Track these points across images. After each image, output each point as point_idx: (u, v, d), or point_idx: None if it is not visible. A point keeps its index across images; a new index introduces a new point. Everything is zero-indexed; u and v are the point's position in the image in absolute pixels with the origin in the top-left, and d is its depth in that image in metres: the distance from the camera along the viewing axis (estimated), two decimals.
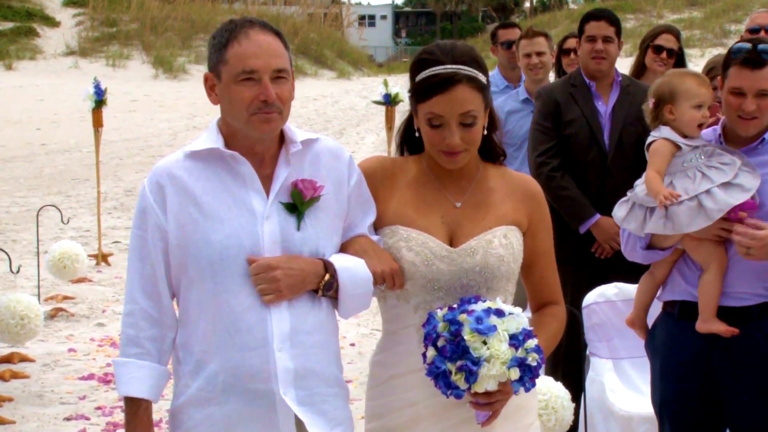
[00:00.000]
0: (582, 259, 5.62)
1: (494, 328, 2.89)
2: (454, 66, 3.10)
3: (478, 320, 2.90)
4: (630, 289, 5.05)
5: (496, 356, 2.88)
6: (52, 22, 41.64)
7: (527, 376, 2.93)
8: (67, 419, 6.67)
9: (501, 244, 3.16)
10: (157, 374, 3.11)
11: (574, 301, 5.31)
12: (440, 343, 2.93)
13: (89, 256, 10.71)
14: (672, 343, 4.01)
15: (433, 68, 3.11)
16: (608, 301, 5.12)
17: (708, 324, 3.90)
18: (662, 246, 3.96)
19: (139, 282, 3.10)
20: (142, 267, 3.10)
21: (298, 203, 3.11)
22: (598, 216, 5.60)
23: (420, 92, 3.14)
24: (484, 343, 2.89)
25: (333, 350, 3.19)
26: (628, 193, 4.02)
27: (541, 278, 3.33)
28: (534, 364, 2.93)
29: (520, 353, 2.91)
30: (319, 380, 3.13)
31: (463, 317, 2.92)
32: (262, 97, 3.03)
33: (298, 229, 3.11)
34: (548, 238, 3.32)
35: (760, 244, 3.73)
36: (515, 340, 2.91)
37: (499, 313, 2.93)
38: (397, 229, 3.19)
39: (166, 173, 3.10)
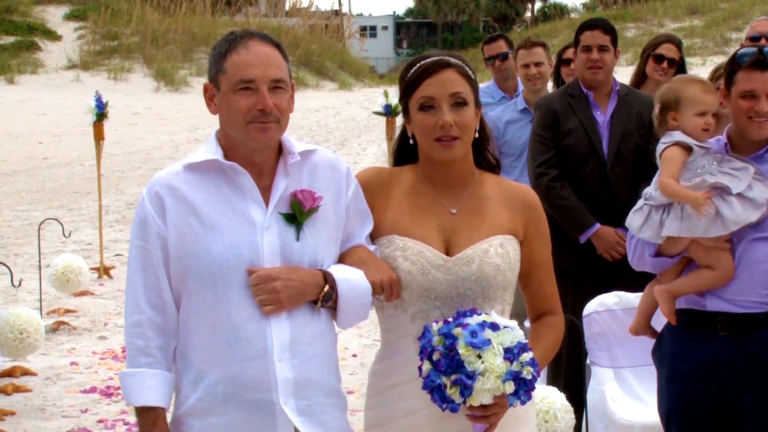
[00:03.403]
0: (582, 269, 5.62)
1: (489, 341, 2.89)
2: (441, 56, 3.22)
3: (473, 334, 2.90)
4: (630, 298, 5.05)
5: (490, 370, 2.88)
6: (53, 36, 41.72)
7: (522, 389, 2.93)
8: None
9: (497, 254, 3.16)
10: (168, 382, 3.12)
11: (574, 311, 5.31)
12: (435, 356, 2.93)
13: (91, 269, 10.72)
14: (679, 352, 4.00)
15: (421, 62, 3.22)
16: (608, 310, 5.12)
17: (665, 297, 3.94)
18: (671, 253, 3.95)
19: (143, 292, 3.09)
20: (145, 277, 3.10)
21: (297, 214, 3.13)
22: (597, 225, 5.60)
23: (410, 84, 3.20)
24: (479, 356, 2.89)
25: (332, 360, 3.21)
26: (641, 202, 4.01)
27: (539, 288, 3.33)
28: (529, 377, 2.93)
29: (515, 367, 2.91)
30: (319, 390, 3.15)
31: (457, 331, 2.92)
32: (259, 106, 3.06)
33: (298, 239, 3.13)
34: (546, 248, 3.32)
35: None
36: (510, 354, 2.91)
37: (494, 327, 2.93)
38: (393, 239, 3.20)
39: (165, 184, 3.10)
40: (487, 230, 3.19)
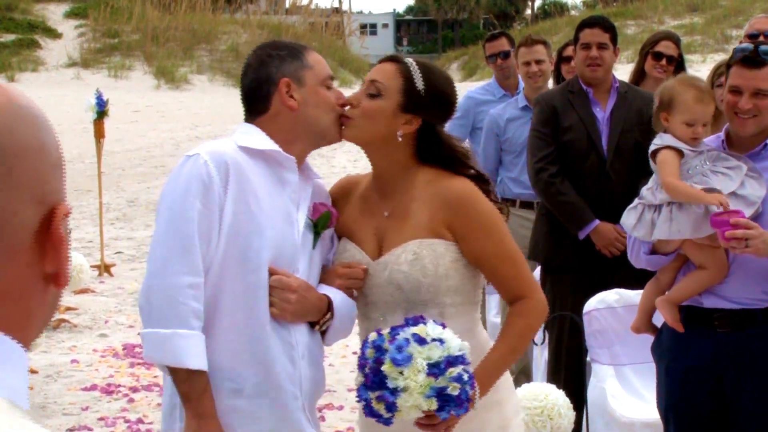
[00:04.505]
0: (582, 265, 5.62)
1: (410, 358, 2.82)
2: (400, 55, 3.31)
3: (399, 349, 2.84)
4: (630, 295, 5.05)
5: (413, 387, 2.81)
6: (54, 34, 41.70)
7: (450, 405, 2.85)
8: (70, 430, 6.67)
9: (406, 261, 3.15)
10: None
11: (574, 308, 5.32)
12: (366, 370, 2.90)
13: (92, 266, 10.72)
14: (678, 349, 4.02)
15: None
16: (609, 307, 5.12)
17: (666, 306, 3.96)
18: (665, 251, 3.97)
19: (198, 257, 3.02)
20: (199, 242, 3.03)
21: (321, 225, 3.23)
22: (597, 221, 5.60)
23: None
24: (401, 373, 2.82)
25: None
26: (636, 200, 4.02)
27: (495, 277, 3.23)
28: (455, 393, 2.84)
29: (439, 382, 2.82)
30: (321, 390, 3.31)
31: (386, 345, 2.87)
32: (342, 100, 3.20)
33: (314, 248, 3.24)
34: (487, 239, 3.18)
35: (758, 240, 3.71)
36: (436, 369, 2.82)
37: (422, 341, 2.85)
38: (341, 242, 3.31)
39: (232, 158, 3.09)
40: (408, 233, 3.19)
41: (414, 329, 2.88)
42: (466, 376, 2.87)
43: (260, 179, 3.12)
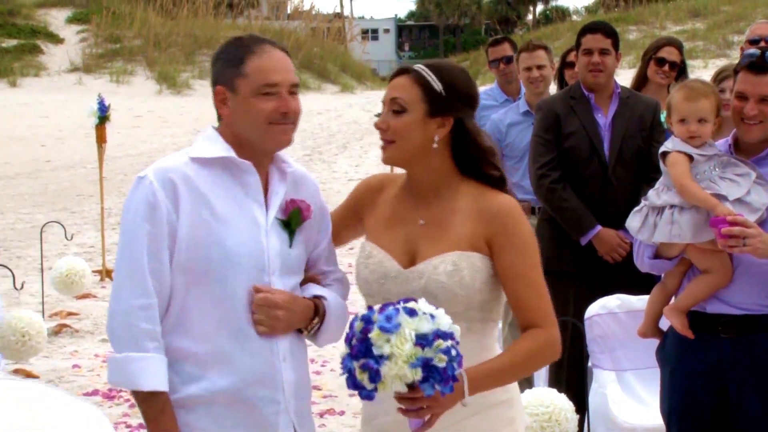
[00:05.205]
0: (583, 271, 5.62)
1: (398, 326, 2.78)
2: (412, 64, 3.23)
3: (388, 319, 2.79)
4: (632, 301, 5.05)
5: (398, 355, 2.75)
6: (56, 39, 41.78)
7: (434, 377, 2.79)
8: None
9: (445, 272, 3.11)
10: (167, 367, 3.10)
11: (576, 313, 5.32)
12: (353, 341, 2.84)
13: (93, 271, 10.73)
14: (682, 353, 4.02)
15: None
16: (610, 312, 5.12)
17: (674, 314, 3.96)
18: (668, 256, 3.97)
19: (149, 277, 3.06)
20: (149, 262, 3.06)
21: (293, 222, 3.20)
22: (599, 227, 5.60)
23: None
24: (388, 341, 2.78)
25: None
26: (643, 200, 4.02)
27: (517, 301, 3.17)
28: (441, 365, 2.78)
29: (426, 353, 2.77)
30: (308, 392, 3.30)
31: (375, 317, 2.83)
32: (282, 109, 3.12)
33: (291, 246, 3.21)
34: (521, 259, 3.16)
35: (757, 239, 3.71)
36: (423, 340, 2.78)
37: (412, 313, 2.81)
38: (365, 245, 3.27)
39: (178, 172, 3.10)
40: (447, 245, 3.15)
41: (407, 304, 2.84)
42: (454, 352, 2.82)
43: (215, 188, 3.11)
